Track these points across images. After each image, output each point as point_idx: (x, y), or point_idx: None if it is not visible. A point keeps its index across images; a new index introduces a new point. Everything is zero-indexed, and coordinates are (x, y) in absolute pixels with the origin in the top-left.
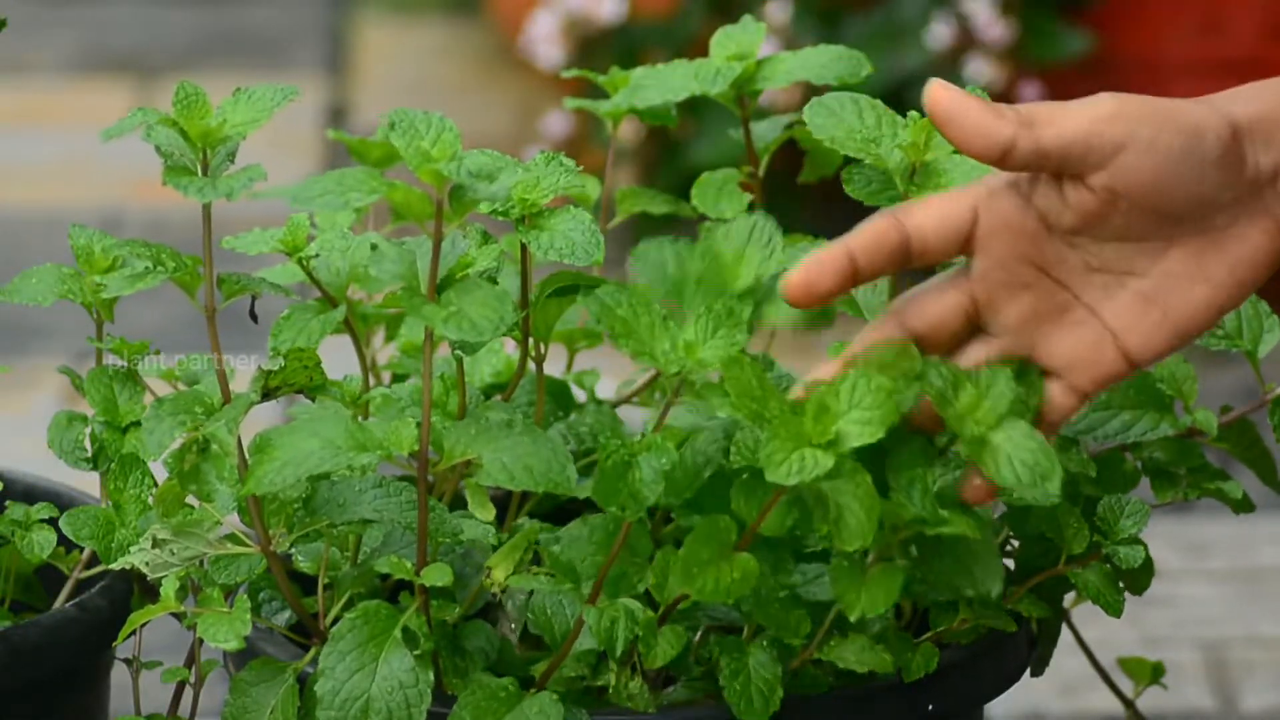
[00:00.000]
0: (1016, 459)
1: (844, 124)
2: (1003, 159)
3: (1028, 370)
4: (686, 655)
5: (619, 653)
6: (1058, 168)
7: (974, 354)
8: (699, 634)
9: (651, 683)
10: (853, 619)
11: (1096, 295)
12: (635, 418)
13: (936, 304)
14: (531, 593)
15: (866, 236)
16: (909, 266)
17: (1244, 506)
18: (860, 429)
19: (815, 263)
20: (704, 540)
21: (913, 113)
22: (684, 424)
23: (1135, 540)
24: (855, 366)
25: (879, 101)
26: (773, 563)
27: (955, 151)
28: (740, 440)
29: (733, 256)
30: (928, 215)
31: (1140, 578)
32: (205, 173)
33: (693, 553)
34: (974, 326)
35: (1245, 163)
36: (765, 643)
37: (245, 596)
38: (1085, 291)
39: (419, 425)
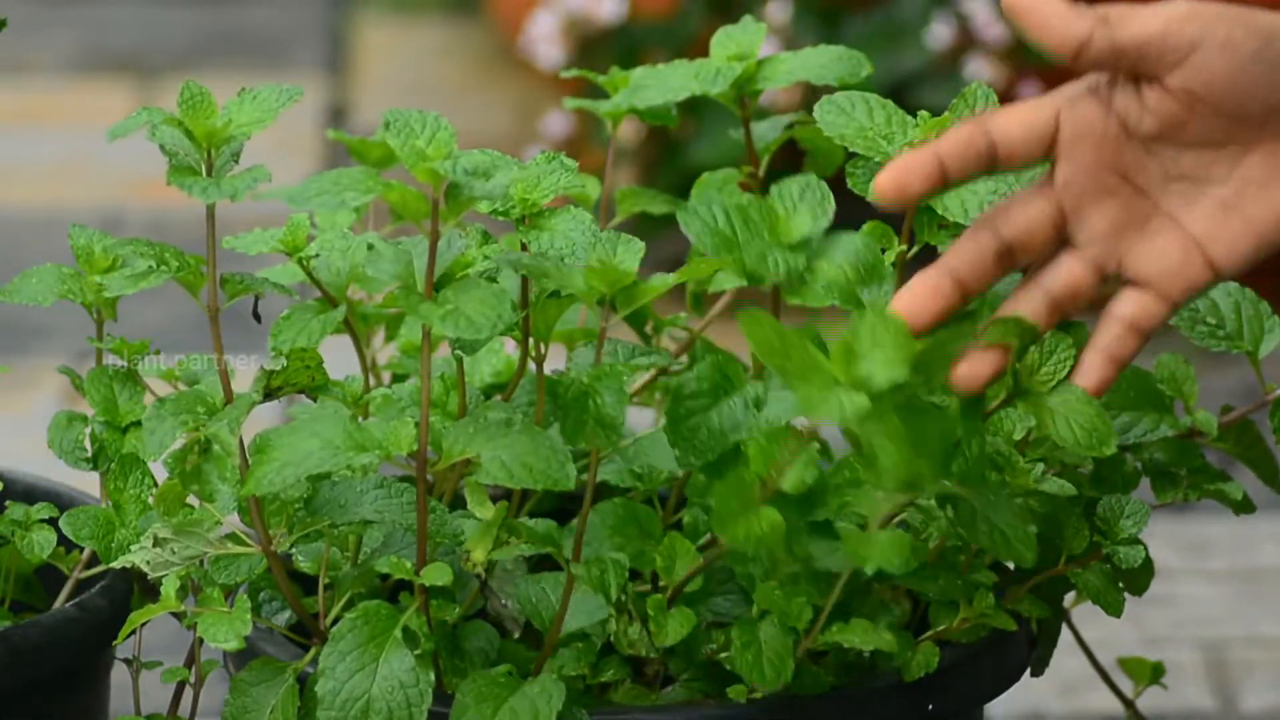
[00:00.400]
0: (1075, 422)
1: (854, 122)
2: (1079, 54)
3: (1077, 328)
4: (696, 641)
5: (614, 599)
6: (1133, 66)
7: (1066, 266)
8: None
9: (650, 683)
10: (870, 571)
11: (1177, 204)
12: (636, 417)
13: (1024, 213)
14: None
15: (954, 140)
16: (994, 170)
17: (1244, 507)
18: (888, 369)
19: (905, 165)
20: (732, 493)
21: (922, 112)
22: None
23: (1135, 540)
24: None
25: (889, 101)
26: (788, 533)
27: None
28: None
29: (785, 212)
30: (1012, 120)
31: (1140, 578)
32: (210, 173)
33: (724, 504)
34: (1063, 237)
35: None
36: (775, 620)
37: (245, 596)
38: (1165, 200)
39: (418, 425)
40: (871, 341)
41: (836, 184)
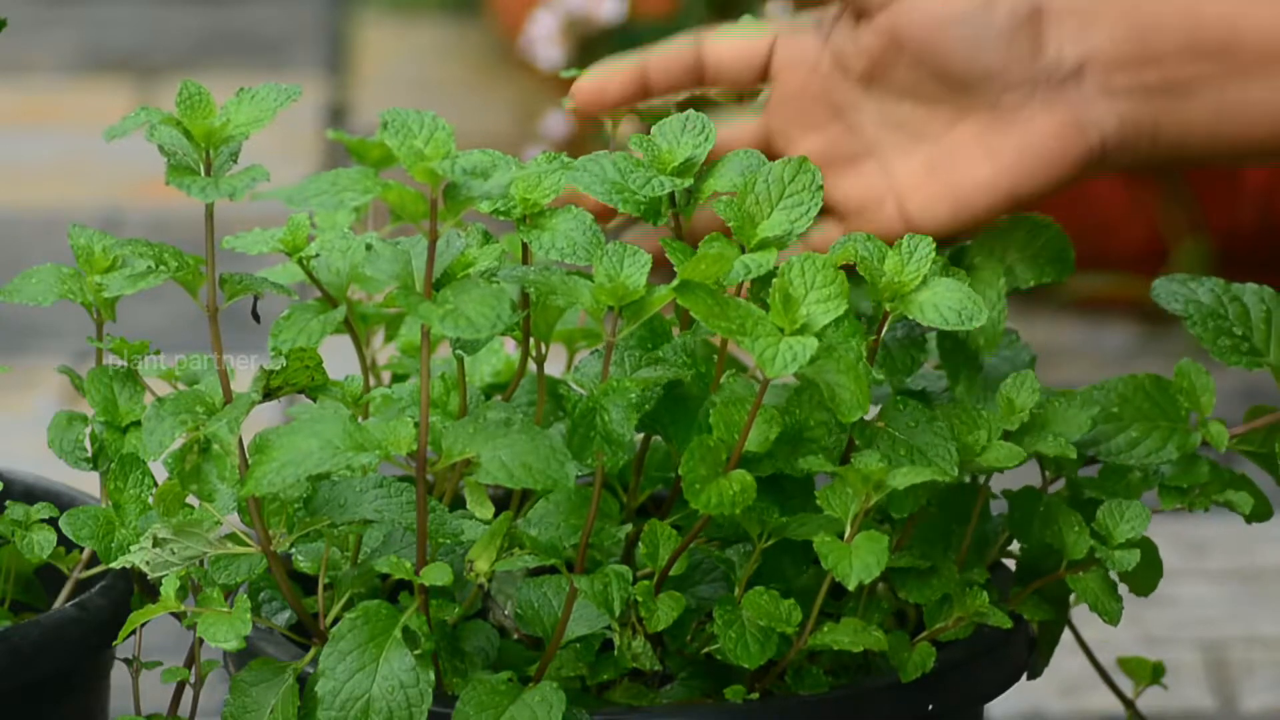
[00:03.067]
0: (943, 305)
1: None
2: None
3: None
4: (685, 628)
5: (617, 613)
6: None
7: None
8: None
9: (648, 682)
10: (851, 588)
11: (890, 152)
12: None
13: (730, 129)
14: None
15: (663, 53)
16: (702, 86)
17: (1255, 517)
18: (825, 306)
19: (607, 70)
20: (699, 459)
21: None
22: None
23: (1133, 544)
24: None
25: None
26: (760, 511)
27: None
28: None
29: (668, 145)
30: (726, 41)
31: (1146, 578)
32: (208, 172)
33: (692, 471)
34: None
35: (1043, 48)
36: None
37: (245, 596)
38: (880, 144)
39: (417, 425)
40: (804, 284)
41: None
